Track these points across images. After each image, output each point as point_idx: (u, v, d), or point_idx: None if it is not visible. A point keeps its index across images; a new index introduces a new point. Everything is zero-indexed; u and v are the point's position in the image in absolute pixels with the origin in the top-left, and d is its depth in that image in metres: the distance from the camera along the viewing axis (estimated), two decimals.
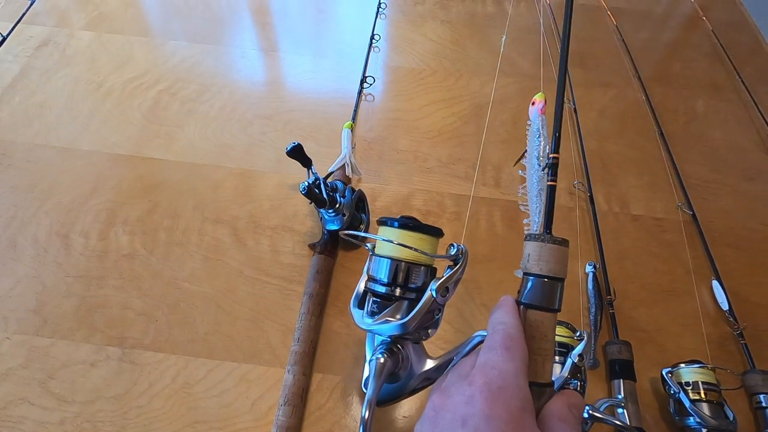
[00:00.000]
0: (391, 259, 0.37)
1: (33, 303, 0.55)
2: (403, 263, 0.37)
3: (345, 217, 0.57)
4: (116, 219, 0.62)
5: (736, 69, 0.89)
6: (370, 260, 0.40)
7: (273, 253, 0.61)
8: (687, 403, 0.47)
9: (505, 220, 0.66)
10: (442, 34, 0.93)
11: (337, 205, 0.57)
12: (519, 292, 0.33)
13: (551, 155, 0.35)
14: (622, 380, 0.51)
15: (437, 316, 0.37)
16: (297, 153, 0.58)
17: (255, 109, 0.77)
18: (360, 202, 0.62)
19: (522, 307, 0.32)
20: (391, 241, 0.37)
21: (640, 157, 0.75)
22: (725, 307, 0.58)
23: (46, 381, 0.50)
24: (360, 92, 0.79)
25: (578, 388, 0.46)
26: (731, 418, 0.47)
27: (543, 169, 0.37)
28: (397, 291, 0.37)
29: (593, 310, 0.57)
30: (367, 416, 0.33)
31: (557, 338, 0.49)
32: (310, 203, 0.55)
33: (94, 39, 0.85)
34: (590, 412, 0.43)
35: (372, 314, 0.38)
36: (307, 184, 0.51)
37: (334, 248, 0.59)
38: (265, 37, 0.90)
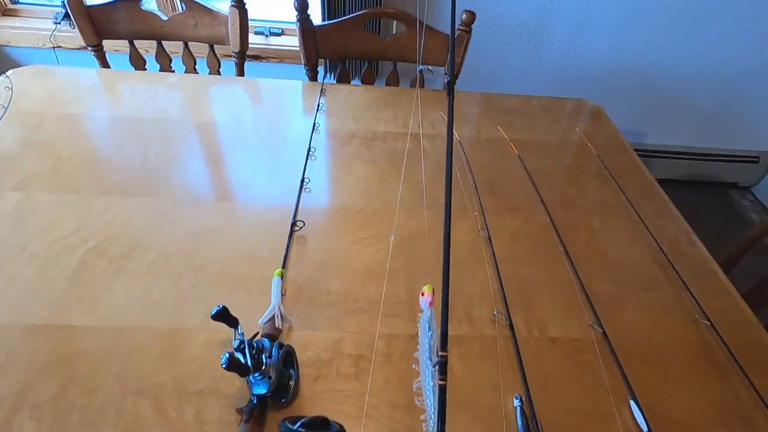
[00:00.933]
0: None
1: None
2: None
3: (272, 380, 0.57)
4: (23, 404, 0.58)
5: (621, 188, 1.04)
6: None
7: (198, 423, 0.58)
8: None
9: None
10: (369, 173, 1.03)
11: (263, 368, 0.57)
12: None
13: (440, 353, 0.37)
14: None
15: None
16: (222, 316, 0.59)
17: (187, 262, 0.78)
18: (288, 357, 0.63)
19: None
20: None
21: (552, 279, 0.82)
22: (645, 428, 0.61)
23: None
24: (291, 236, 0.83)
25: None
26: None
27: (434, 366, 0.39)
28: None
29: None
30: None
31: None
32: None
33: (22, 199, 0.86)
34: None
35: None
36: (227, 357, 0.52)
37: (262, 414, 0.57)
38: (199, 185, 0.94)
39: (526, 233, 0.91)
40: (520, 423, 0.60)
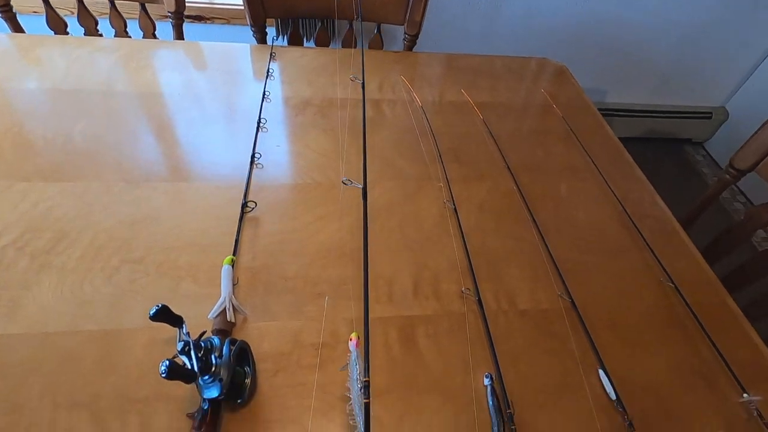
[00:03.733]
0: None
1: None
2: None
3: (224, 381, 0.51)
4: None
5: (586, 150, 1.02)
6: None
7: None
8: None
9: (401, 340, 0.64)
10: (325, 144, 0.95)
11: (213, 369, 0.51)
12: None
13: (364, 379, 0.51)
14: None
15: None
16: (163, 315, 0.52)
17: (123, 253, 0.70)
18: (242, 353, 0.57)
19: None
20: None
21: (520, 248, 0.80)
22: (613, 396, 0.61)
23: None
24: (242, 218, 0.76)
25: None
26: None
27: (360, 390, 0.50)
28: None
29: (495, 429, 0.56)
30: None
31: None
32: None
33: None
34: None
35: None
36: (167, 365, 0.46)
37: (215, 419, 0.52)
38: (134, 167, 0.84)
39: (493, 202, 0.88)
40: (491, 402, 0.58)
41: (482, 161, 0.97)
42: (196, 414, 0.52)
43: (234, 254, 0.71)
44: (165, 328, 0.60)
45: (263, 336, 0.63)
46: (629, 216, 0.87)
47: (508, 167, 0.95)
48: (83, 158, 0.84)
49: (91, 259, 0.68)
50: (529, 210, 0.86)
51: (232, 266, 0.68)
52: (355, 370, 0.52)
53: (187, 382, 0.49)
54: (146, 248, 0.71)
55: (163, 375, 0.45)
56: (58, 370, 0.56)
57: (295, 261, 0.72)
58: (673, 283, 0.76)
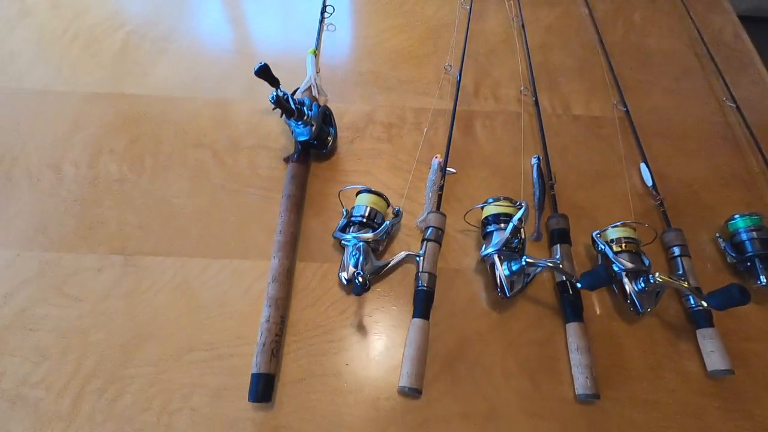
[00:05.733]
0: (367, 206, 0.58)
1: (36, 225, 0.61)
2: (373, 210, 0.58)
3: (313, 128, 0.63)
4: (102, 149, 0.67)
5: None
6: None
7: (251, 168, 0.67)
8: (610, 254, 0.56)
9: (460, 128, 0.73)
10: None
11: (305, 117, 0.63)
12: None
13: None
14: (559, 245, 0.60)
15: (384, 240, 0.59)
16: (264, 73, 0.62)
17: (223, 45, 0.81)
18: (327, 116, 0.68)
19: None
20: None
21: (581, 66, 0.82)
22: (649, 183, 0.67)
23: (59, 286, 0.56)
24: (321, 21, 0.83)
25: (518, 246, 0.55)
26: (647, 264, 0.56)
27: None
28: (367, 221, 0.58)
29: (537, 192, 0.65)
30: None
31: (499, 209, 0.57)
32: (281, 116, 0.61)
33: None
34: (526, 259, 0.52)
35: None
36: (275, 93, 0.57)
37: (306, 158, 0.65)
38: None
39: (561, 25, 0.88)
40: (535, 175, 0.67)
41: None
42: (290, 155, 0.65)
43: (315, 47, 0.79)
44: (262, 101, 0.71)
45: (342, 113, 0.73)
46: (704, 43, 0.85)
47: None
48: None
49: (198, 47, 0.80)
50: (598, 32, 0.86)
51: (315, 57, 0.77)
52: (433, 172, 0.65)
53: (287, 115, 0.60)
54: (241, 42, 0.81)
55: (272, 100, 0.57)
56: (184, 122, 0.71)
57: (368, 60, 0.80)
58: (735, 103, 0.77)
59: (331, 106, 0.74)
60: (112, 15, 0.83)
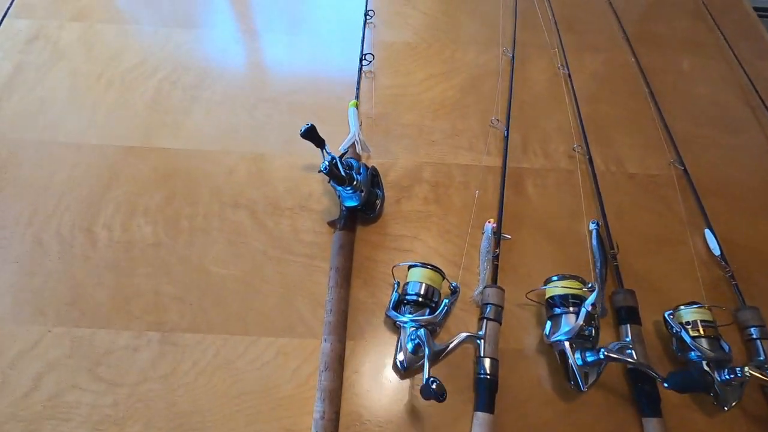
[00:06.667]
0: (422, 283, 0.55)
1: (68, 296, 0.57)
2: (429, 287, 0.55)
3: (362, 194, 0.59)
4: (137, 210, 0.64)
5: (717, 25, 0.93)
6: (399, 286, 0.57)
7: (294, 233, 0.63)
8: (688, 340, 0.52)
9: (510, 187, 0.69)
10: (434, 7, 0.94)
11: (355, 182, 0.59)
12: None
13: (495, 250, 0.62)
14: (629, 325, 0.56)
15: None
16: (311, 134, 0.59)
17: (258, 93, 0.77)
18: (374, 178, 0.65)
19: None
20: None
21: (632, 118, 0.79)
22: (717, 252, 0.63)
23: (92, 368, 0.52)
24: (360, 69, 0.80)
25: (592, 334, 0.51)
26: (727, 350, 0.52)
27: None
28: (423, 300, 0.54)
29: (599, 264, 0.61)
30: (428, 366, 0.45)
31: (567, 290, 0.53)
32: (329, 181, 0.57)
33: (85, 29, 0.84)
34: (605, 353, 0.47)
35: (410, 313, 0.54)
36: (327, 163, 0.53)
37: (353, 224, 0.62)
38: (256, 19, 0.89)
39: (607, 73, 0.85)
40: (595, 243, 0.63)
41: (597, 32, 0.92)
42: (337, 220, 0.62)
43: (356, 98, 0.76)
44: (302, 156, 0.69)
45: (387, 170, 0.70)
46: (758, 94, 0.82)
47: (627, 38, 0.89)
48: (208, 6, 0.90)
49: (233, 96, 0.77)
50: (646, 81, 0.83)
51: (357, 109, 0.73)
52: (487, 239, 0.62)
53: (338, 183, 0.57)
54: (277, 91, 0.78)
55: (324, 171, 0.53)
56: (220, 179, 0.67)
57: (410, 111, 0.77)
58: None
59: (375, 162, 0.70)
60: (146, 58, 0.80)
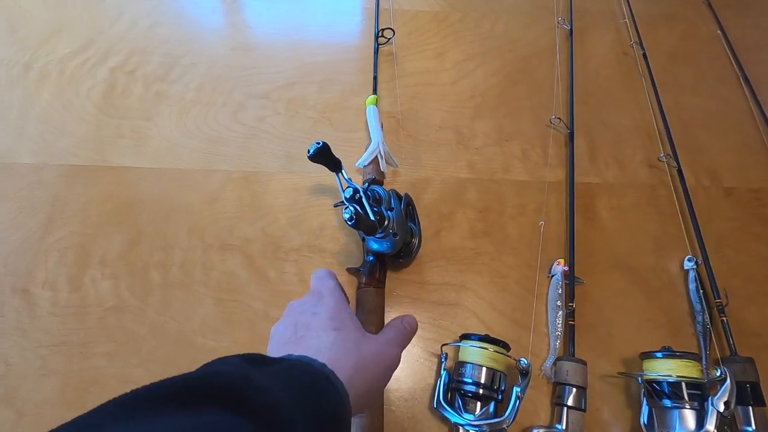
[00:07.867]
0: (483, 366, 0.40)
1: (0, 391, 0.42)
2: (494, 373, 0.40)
3: (397, 239, 0.43)
4: (89, 259, 0.47)
5: None
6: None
7: (303, 285, 0.48)
8: None
9: (580, 209, 0.53)
10: None
11: (386, 223, 0.43)
12: None
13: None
14: (751, 408, 0.42)
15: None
16: (323, 156, 0.43)
17: (244, 86, 0.59)
18: (408, 208, 0.49)
19: None
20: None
21: (724, 111, 0.62)
22: None
23: None
24: (377, 51, 0.61)
25: None
26: None
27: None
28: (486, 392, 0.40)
29: (700, 318, 0.47)
30: None
31: (685, 377, 0.39)
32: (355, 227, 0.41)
33: (5, 3, 0.63)
34: None
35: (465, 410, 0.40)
36: (353, 212, 0.37)
37: (383, 275, 0.46)
38: None
39: (687, 50, 0.67)
40: (693, 288, 0.49)
41: None
42: (361, 269, 0.46)
43: (375, 93, 0.58)
44: (308, 173, 0.52)
45: (419, 190, 0.53)
46: None
47: (710, 5, 0.71)
48: None
49: (210, 90, 0.58)
50: (737, 60, 0.65)
51: (376, 107, 0.56)
52: (555, 289, 0.48)
53: (368, 233, 0.41)
54: (270, 82, 0.60)
55: (350, 223, 0.37)
56: (201, 210, 0.51)
57: (442, 107, 0.60)
58: None
59: (402, 179, 0.54)
60: (93, 39, 0.61)
